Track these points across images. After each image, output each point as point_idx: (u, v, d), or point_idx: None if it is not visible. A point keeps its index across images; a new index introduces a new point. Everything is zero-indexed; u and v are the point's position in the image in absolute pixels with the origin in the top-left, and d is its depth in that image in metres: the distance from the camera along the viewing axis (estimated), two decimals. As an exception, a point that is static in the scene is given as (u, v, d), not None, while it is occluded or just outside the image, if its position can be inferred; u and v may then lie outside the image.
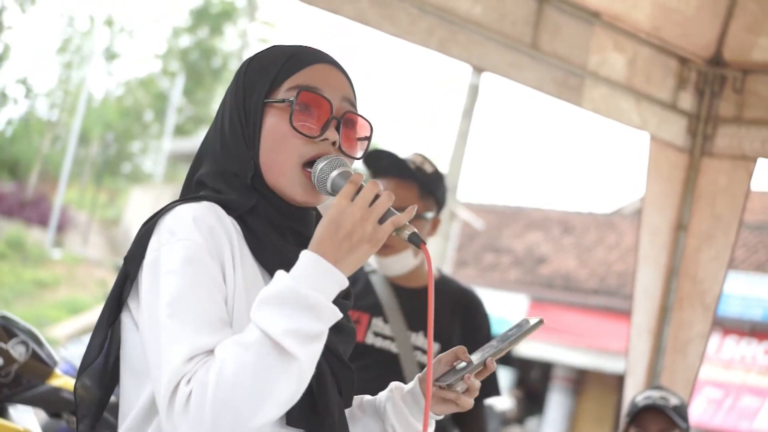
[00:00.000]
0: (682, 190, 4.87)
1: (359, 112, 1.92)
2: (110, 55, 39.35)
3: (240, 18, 38.07)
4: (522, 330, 1.96)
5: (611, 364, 19.44)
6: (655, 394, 3.64)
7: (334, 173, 1.80)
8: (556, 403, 24.58)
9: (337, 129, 1.86)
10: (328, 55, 1.94)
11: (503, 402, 24.62)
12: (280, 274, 1.68)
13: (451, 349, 1.99)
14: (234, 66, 36.78)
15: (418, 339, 3.43)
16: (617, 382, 18.44)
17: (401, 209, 2.78)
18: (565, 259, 24.05)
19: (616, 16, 4.59)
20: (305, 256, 1.70)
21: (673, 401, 3.59)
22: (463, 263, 24.61)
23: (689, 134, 4.87)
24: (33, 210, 29.25)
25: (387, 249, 3.41)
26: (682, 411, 3.59)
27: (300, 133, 1.83)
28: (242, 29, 38.17)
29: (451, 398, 1.95)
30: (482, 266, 24.53)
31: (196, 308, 1.68)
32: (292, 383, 1.64)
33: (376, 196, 1.74)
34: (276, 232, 1.85)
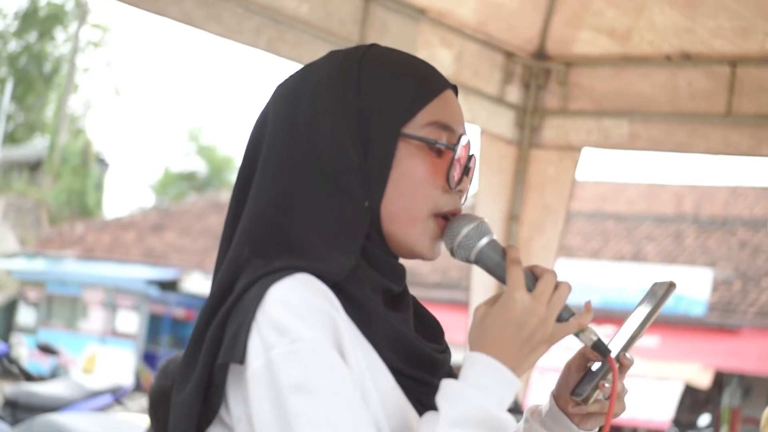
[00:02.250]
0: (512, 182, 4.98)
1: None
2: (-67, 63, 37.89)
3: (70, 21, 37.15)
4: (656, 300, 1.64)
5: (458, 356, 19.73)
6: None
7: (483, 242, 1.53)
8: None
9: (467, 175, 1.58)
10: (443, 77, 1.61)
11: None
12: (458, 385, 1.43)
13: (577, 352, 1.69)
14: (67, 72, 35.89)
15: None
16: (463, 372, 18.73)
17: None
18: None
19: (441, 13, 4.66)
20: (483, 362, 1.44)
21: None
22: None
23: (517, 127, 4.98)
24: None
25: None
26: (517, 404, 3.65)
27: (449, 185, 1.53)
28: (73, 33, 37.25)
29: (596, 410, 1.63)
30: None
31: (345, 426, 1.36)
32: None
33: (555, 287, 1.48)
34: (374, 295, 1.50)
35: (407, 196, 1.52)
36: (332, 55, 1.59)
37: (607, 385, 1.58)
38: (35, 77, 36.37)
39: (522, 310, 1.45)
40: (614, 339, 1.61)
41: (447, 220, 1.56)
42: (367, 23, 4.40)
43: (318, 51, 4.31)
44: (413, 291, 1.64)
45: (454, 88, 1.61)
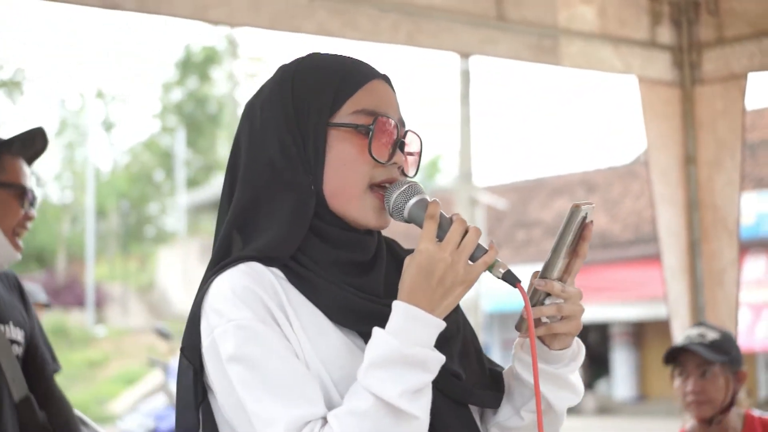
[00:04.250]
0: (681, 124, 4.82)
1: (411, 129, 1.89)
2: (108, 126, 39.58)
3: (224, 59, 38.19)
4: (563, 225, 1.77)
5: (665, 310, 19.34)
6: (693, 332, 3.58)
7: (411, 202, 1.77)
8: (621, 360, 24.47)
9: (402, 150, 1.84)
10: (376, 69, 1.89)
11: (569, 372, 24.56)
12: (378, 332, 1.66)
13: (529, 284, 1.84)
14: (231, 108, 36.90)
15: (9, 330, 3.01)
16: (674, 326, 18.36)
17: None
18: (595, 217, 23.89)
19: (574, -31, 4.56)
20: (400, 308, 1.67)
21: (711, 336, 3.53)
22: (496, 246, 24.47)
23: (676, 67, 4.82)
24: (68, 294, 29.44)
25: None
26: (720, 344, 3.52)
27: (375, 160, 1.80)
28: (229, 70, 38.27)
29: (564, 331, 1.81)
30: (516, 244, 24.46)
31: (275, 384, 1.66)
32: None
33: (464, 233, 1.70)
34: (327, 266, 1.78)
35: (341, 175, 1.79)
36: (276, 70, 1.91)
37: (532, 310, 1.76)
38: (202, 121, 37.52)
39: (428, 259, 1.68)
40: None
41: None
42: (502, -4, 4.34)
43: (459, 34, 4.28)
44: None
45: (387, 79, 1.88)
